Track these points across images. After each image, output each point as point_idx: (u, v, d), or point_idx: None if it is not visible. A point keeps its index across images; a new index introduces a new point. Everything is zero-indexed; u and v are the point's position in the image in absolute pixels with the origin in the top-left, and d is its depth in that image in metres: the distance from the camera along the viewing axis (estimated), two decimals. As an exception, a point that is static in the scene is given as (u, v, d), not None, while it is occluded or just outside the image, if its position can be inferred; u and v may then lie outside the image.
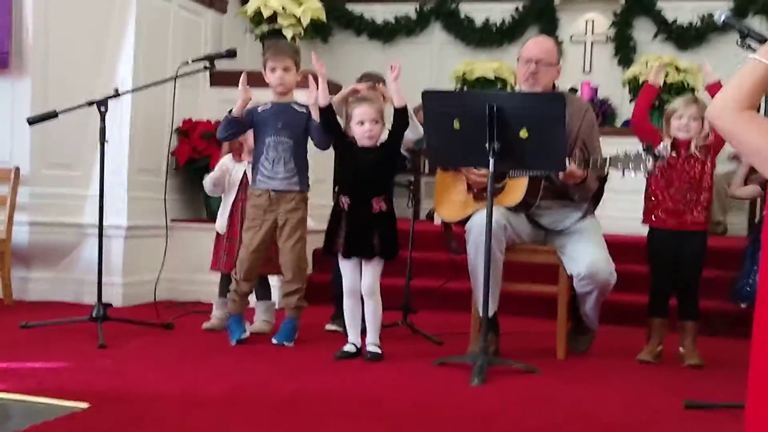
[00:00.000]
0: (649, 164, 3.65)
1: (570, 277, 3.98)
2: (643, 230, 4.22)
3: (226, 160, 4.62)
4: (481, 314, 3.68)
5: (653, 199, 4.09)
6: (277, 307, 4.59)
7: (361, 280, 3.89)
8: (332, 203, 4.28)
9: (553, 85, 4.19)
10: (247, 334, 4.14)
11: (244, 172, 4.49)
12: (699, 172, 4.01)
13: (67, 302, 5.15)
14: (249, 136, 4.33)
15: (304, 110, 4.16)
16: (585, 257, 3.90)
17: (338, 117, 4.01)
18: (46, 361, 3.52)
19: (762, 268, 1.40)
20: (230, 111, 4.15)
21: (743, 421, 1.59)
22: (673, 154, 3.95)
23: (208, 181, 4.59)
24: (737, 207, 7.20)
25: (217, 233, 4.60)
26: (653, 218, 4.09)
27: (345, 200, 3.88)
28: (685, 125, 4.01)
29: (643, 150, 3.67)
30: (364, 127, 3.84)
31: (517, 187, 3.93)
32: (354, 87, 4.18)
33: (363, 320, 3.96)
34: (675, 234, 4.04)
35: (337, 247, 3.88)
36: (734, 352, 3.83)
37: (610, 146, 4.11)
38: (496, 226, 3.78)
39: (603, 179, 3.86)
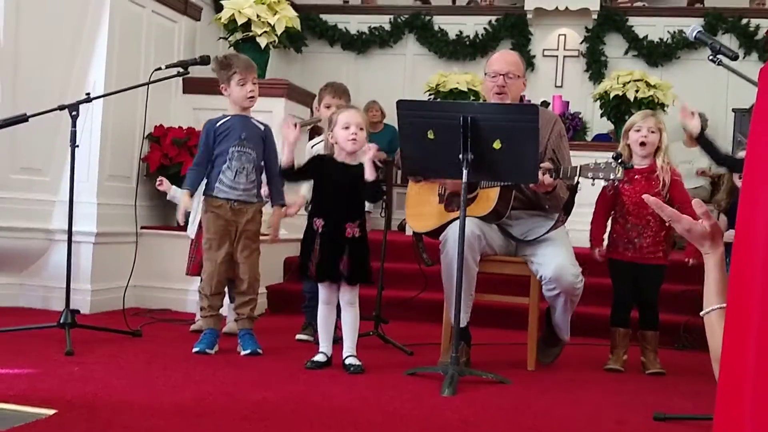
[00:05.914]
0: (619, 173, 3.70)
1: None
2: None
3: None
4: (453, 324, 3.69)
5: (613, 235, 4.19)
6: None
7: (338, 293, 3.89)
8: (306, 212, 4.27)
9: (521, 98, 4.21)
10: (213, 352, 4.06)
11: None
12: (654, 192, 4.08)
13: (34, 308, 5.07)
14: (185, 206, 4.13)
15: (261, 126, 4.22)
16: (551, 261, 3.92)
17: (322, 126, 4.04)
18: (13, 367, 3.47)
19: (730, 290, 1.42)
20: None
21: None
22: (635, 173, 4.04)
23: (179, 202, 4.29)
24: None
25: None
26: (611, 251, 4.20)
27: (319, 222, 3.86)
28: (644, 137, 4.09)
29: (613, 158, 3.72)
30: (350, 130, 3.80)
31: (488, 197, 3.95)
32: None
33: (335, 330, 3.96)
34: (634, 265, 4.15)
35: (310, 272, 3.86)
36: (703, 365, 3.85)
37: (580, 160, 4.15)
38: (471, 236, 3.80)
39: (574, 189, 3.88)
